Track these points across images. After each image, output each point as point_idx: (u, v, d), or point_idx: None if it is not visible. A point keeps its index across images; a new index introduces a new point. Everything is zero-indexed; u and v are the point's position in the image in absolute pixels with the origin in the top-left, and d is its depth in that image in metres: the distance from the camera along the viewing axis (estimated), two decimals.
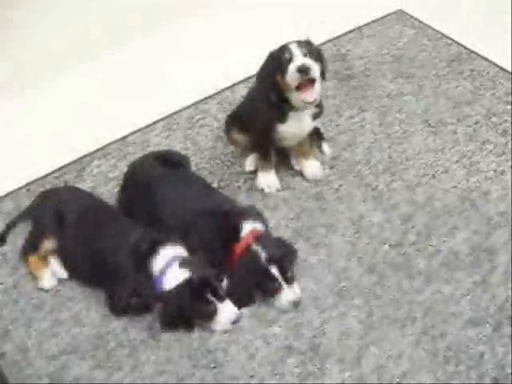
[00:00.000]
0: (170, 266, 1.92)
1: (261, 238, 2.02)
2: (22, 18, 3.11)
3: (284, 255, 2.00)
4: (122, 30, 3.01)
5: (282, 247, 2.04)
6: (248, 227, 2.03)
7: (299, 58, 2.14)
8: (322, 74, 2.21)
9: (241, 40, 2.94)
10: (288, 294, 1.99)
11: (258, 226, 2.06)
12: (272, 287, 1.99)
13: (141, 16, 3.09)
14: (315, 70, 2.15)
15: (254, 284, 1.99)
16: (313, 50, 2.19)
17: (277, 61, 2.17)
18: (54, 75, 2.78)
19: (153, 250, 1.95)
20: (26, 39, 3.00)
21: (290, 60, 2.14)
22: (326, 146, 2.46)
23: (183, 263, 1.92)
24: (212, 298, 1.90)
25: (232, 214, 2.06)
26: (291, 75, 2.14)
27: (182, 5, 3.12)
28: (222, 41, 2.95)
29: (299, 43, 2.19)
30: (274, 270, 1.97)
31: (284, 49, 2.18)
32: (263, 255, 1.98)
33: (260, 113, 2.24)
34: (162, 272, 1.92)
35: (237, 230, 2.02)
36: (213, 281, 1.91)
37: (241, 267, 1.98)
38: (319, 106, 2.28)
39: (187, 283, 1.89)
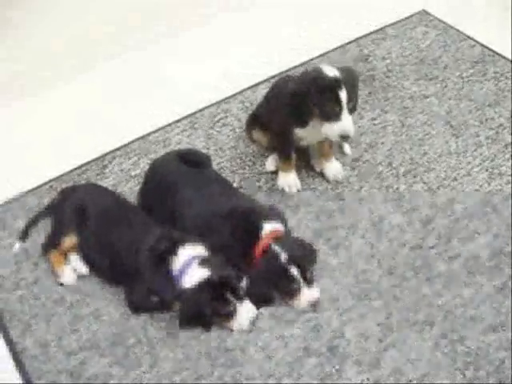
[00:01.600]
0: (190, 265, 1.93)
1: (281, 238, 2.02)
2: (22, 18, 3.14)
3: (304, 256, 2.00)
4: (125, 30, 3.02)
5: (302, 248, 2.03)
6: (268, 227, 2.03)
7: (345, 120, 2.05)
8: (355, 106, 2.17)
9: (251, 40, 2.95)
10: (307, 294, 1.99)
11: (279, 226, 2.06)
12: (291, 288, 1.99)
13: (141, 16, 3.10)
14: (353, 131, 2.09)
15: (274, 284, 1.99)
16: (355, 88, 2.11)
17: (319, 97, 2.06)
18: (72, 76, 2.81)
19: (173, 248, 1.96)
20: (25, 39, 3.03)
21: (337, 114, 2.05)
22: (347, 147, 2.46)
23: (203, 262, 1.93)
24: (231, 298, 1.90)
25: (252, 213, 2.06)
26: (331, 133, 2.10)
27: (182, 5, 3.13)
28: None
29: (345, 81, 2.04)
30: (294, 271, 1.97)
31: (332, 91, 2.03)
32: (283, 255, 1.98)
33: (280, 117, 2.21)
34: (182, 271, 1.93)
35: (257, 230, 2.02)
36: (232, 280, 1.91)
37: (260, 267, 1.99)
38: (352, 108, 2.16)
39: (207, 282, 1.90)
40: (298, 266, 1.97)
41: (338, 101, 2.05)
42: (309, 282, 1.99)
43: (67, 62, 2.88)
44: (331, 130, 2.10)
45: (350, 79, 2.10)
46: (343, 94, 2.05)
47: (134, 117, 2.64)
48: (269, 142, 2.37)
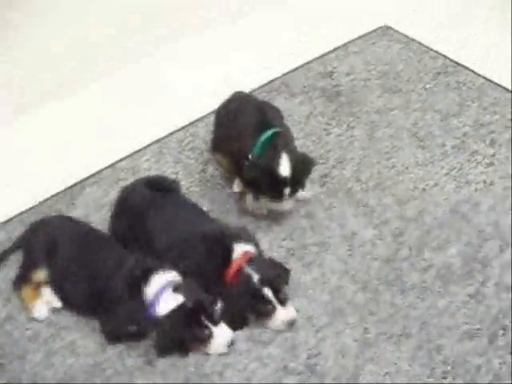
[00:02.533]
0: (164, 292, 1.92)
1: (253, 259, 2.02)
2: (22, 20, 3.12)
3: (277, 276, 2.01)
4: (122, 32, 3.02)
5: (275, 268, 2.04)
6: (239, 249, 2.03)
7: (286, 203, 2.22)
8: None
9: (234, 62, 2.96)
10: (282, 314, 1.99)
11: (250, 248, 2.06)
12: (266, 309, 1.99)
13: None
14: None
15: (248, 307, 1.99)
16: (304, 177, 2.26)
17: (267, 189, 2.21)
18: (39, 104, 2.79)
19: (146, 276, 1.95)
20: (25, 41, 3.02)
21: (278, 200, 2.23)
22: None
23: (176, 288, 1.92)
24: (206, 322, 1.89)
25: (223, 236, 2.06)
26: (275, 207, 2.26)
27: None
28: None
29: (295, 175, 2.19)
30: (267, 292, 1.97)
31: (278, 188, 2.20)
32: (255, 277, 1.98)
33: (238, 148, 2.28)
34: (156, 298, 1.92)
35: (228, 253, 2.02)
36: (206, 305, 1.91)
37: (233, 290, 1.98)
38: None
39: (181, 308, 1.89)
40: (272, 287, 1.97)
41: (281, 194, 2.21)
42: (283, 302, 1.99)
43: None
44: (271, 206, 2.26)
45: (301, 171, 2.23)
46: (287, 190, 2.19)
47: (102, 144, 2.64)
48: (231, 166, 2.38)
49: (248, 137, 2.24)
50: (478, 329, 2.02)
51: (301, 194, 2.29)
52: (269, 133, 2.24)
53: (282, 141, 2.24)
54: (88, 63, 2.91)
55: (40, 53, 2.95)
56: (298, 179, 2.21)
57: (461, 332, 2.02)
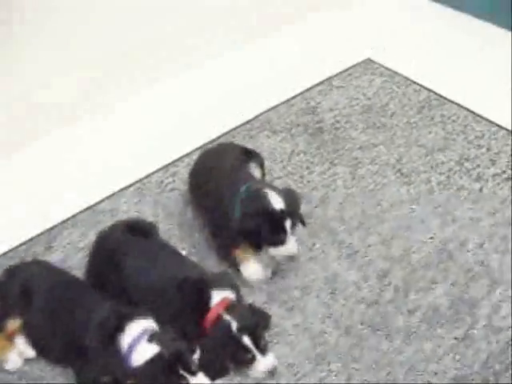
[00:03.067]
0: (139, 342, 1.85)
1: (231, 306, 1.96)
2: None
3: (256, 324, 1.94)
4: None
5: (254, 315, 1.97)
6: (218, 296, 1.97)
7: (290, 243, 2.10)
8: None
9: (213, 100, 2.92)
10: (262, 363, 1.92)
11: (229, 294, 2.00)
12: (245, 358, 1.92)
13: None
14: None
15: (226, 356, 1.92)
16: (297, 209, 2.16)
17: (268, 233, 2.09)
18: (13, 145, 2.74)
19: (120, 325, 1.88)
20: None
21: (283, 241, 2.10)
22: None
23: (152, 338, 1.85)
24: (184, 373, 1.82)
25: (201, 282, 2.00)
26: (278, 255, 2.13)
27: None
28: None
29: (289, 207, 2.08)
30: (247, 340, 1.90)
31: (279, 224, 2.08)
32: (234, 325, 1.91)
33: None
34: (131, 348, 1.85)
35: (207, 300, 1.96)
36: (184, 355, 1.84)
37: (212, 338, 1.92)
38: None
39: (157, 358, 1.82)
40: (251, 335, 1.91)
41: (284, 231, 2.09)
42: (263, 349, 1.93)
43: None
44: (277, 252, 2.12)
45: (292, 202, 2.14)
46: (288, 223, 2.09)
47: (81, 186, 2.58)
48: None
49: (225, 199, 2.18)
50: (468, 374, 1.95)
51: (287, 248, 2.13)
52: (243, 188, 2.16)
53: (260, 184, 2.18)
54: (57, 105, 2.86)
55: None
56: (293, 209, 2.11)
57: (449, 377, 1.95)
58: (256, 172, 2.37)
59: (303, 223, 2.20)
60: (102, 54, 3.05)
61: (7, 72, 2.68)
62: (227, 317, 1.92)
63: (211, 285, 1.99)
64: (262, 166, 2.43)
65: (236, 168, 2.29)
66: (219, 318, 1.92)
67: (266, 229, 2.08)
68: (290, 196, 2.15)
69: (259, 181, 2.28)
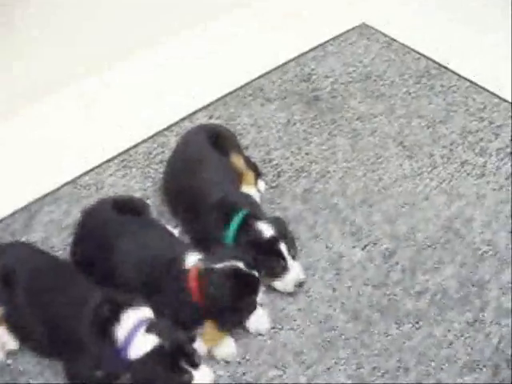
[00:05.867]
0: (136, 333, 1.70)
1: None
2: None
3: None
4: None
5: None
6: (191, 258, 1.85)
7: (293, 268, 1.95)
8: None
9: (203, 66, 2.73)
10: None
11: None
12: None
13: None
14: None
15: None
16: (288, 234, 2.01)
17: (265, 262, 1.92)
18: None
19: (115, 314, 1.73)
20: None
21: (284, 267, 1.93)
22: (261, 184, 2.25)
23: (150, 328, 1.71)
24: (186, 366, 1.69)
25: None
26: (286, 287, 1.96)
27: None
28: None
29: (280, 232, 1.94)
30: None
31: (275, 251, 1.93)
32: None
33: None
34: (128, 340, 1.70)
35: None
36: (185, 346, 1.70)
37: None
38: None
39: (157, 351, 1.67)
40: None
41: (280, 255, 1.93)
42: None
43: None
44: (284, 284, 1.96)
45: (282, 226, 1.99)
46: (283, 247, 1.93)
47: (62, 158, 2.39)
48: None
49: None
50: (479, 360, 1.86)
51: (294, 275, 1.96)
52: (237, 220, 1.98)
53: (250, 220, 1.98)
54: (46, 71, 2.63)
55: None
56: (284, 235, 1.96)
57: (461, 364, 1.86)
58: (235, 159, 2.18)
59: (294, 251, 2.00)
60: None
61: (8, 68, 2.46)
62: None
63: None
64: (234, 145, 2.23)
65: (207, 169, 2.11)
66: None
67: (263, 259, 1.91)
68: (279, 223, 2.00)
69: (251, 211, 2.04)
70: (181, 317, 1.81)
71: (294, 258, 1.97)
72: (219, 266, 1.81)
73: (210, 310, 1.81)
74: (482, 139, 2.47)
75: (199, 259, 1.85)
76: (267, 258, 1.91)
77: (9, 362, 1.84)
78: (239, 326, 1.87)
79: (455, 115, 2.55)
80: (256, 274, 1.83)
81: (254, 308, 1.85)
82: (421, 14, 2.97)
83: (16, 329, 1.85)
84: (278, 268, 1.92)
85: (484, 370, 1.85)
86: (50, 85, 2.55)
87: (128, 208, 2.01)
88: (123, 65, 2.70)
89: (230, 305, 1.81)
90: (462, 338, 1.92)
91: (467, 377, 1.84)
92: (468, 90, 2.65)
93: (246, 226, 1.95)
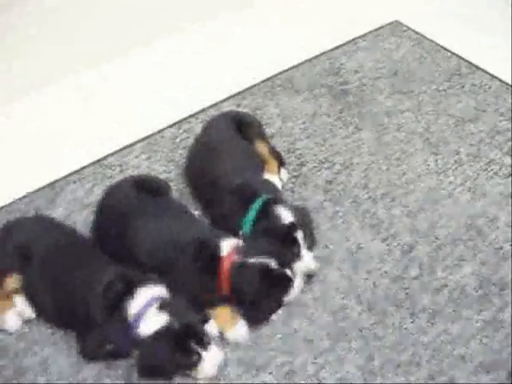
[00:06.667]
0: (147, 310, 1.71)
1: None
2: None
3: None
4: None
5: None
6: (226, 243, 1.86)
7: (306, 257, 1.93)
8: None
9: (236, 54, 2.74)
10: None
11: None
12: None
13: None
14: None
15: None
16: (309, 225, 2.01)
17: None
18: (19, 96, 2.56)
19: (128, 290, 1.74)
20: None
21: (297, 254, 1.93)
22: (284, 172, 2.24)
23: (162, 306, 1.72)
24: (195, 347, 1.69)
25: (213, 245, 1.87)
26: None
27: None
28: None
29: (299, 222, 1.93)
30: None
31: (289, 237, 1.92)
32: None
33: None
34: (139, 316, 1.71)
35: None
36: (196, 327, 1.70)
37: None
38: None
39: (167, 331, 1.68)
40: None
41: (296, 244, 1.92)
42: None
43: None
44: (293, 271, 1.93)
45: (304, 216, 2.00)
46: (300, 235, 1.92)
47: (89, 139, 2.42)
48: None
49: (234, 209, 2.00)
50: (496, 360, 1.83)
51: (304, 263, 1.95)
52: (256, 205, 1.97)
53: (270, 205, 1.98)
54: (71, 56, 2.67)
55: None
56: (303, 223, 1.95)
57: (476, 363, 1.82)
58: (259, 147, 2.19)
59: (313, 241, 2.00)
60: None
61: (7, 68, 2.51)
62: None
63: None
64: (259, 133, 2.24)
65: (230, 152, 2.11)
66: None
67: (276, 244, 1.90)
68: (301, 212, 2.00)
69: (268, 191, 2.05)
70: (197, 298, 1.81)
71: (310, 248, 1.96)
72: (252, 260, 1.82)
73: (235, 301, 1.83)
74: (510, 139, 2.43)
75: (234, 248, 1.85)
76: (282, 244, 1.89)
77: (25, 330, 1.88)
78: (261, 322, 1.87)
79: (484, 114, 2.52)
80: (289, 273, 1.84)
81: (279, 307, 1.86)
82: (454, 13, 2.93)
83: (33, 299, 1.88)
84: (289, 255, 1.90)
85: (500, 371, 1.81)
86: (82, 65, 2.59)
87: (149, 187, 2.02)
88: (148, 51, 2.74)
89: (255, 302, 1.82)
90: (479, 337, 1.88)
91: (482, 377, 1.80)
92: (499, 90, 2.61)
93: (266, 211, 1.95)
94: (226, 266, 1.83)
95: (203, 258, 1.85)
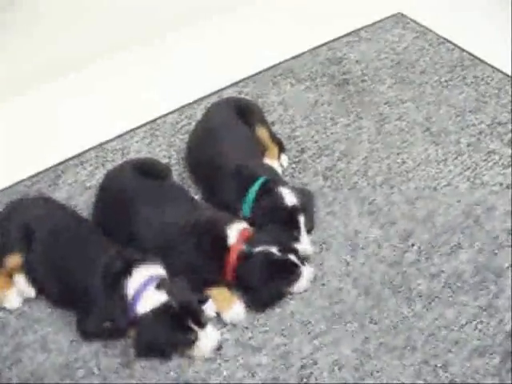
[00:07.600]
0: (146, 288, 1.74)
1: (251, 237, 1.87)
2: None
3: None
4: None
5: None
6: (235, 228, 1.87)
7: (304, 241, 1.95)
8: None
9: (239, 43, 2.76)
10: (307, 274, 1.89)
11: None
12: (294, 272, 1.88)
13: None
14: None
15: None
16: (311, 209, 2.04)
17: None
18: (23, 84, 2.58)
19: (127, 269, 1.76)
20: None
21: (296, 238, 1.94)
22: (284, 158, 2.26)
23: (160, 285, 1.74)
24: (192, 326, 1.71)
25: (216, 222, 1.89)
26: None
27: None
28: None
29: (302, 204, 1.95)
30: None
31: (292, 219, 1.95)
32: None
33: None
34: (137, 294, 1.73)
35: (224, 238, 1.85)
36: (193, 306, 1.72)
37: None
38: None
39: (165, 308, 1.70)
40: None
41: (297, 227, 1.95)
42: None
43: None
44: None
45: (306, 201, 2.01)
46: (302, 219, 1.95)
47: (90, 123, 2.44)
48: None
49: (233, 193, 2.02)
50: (490, 345, 1.84)
51: (301, 246, 1.96)
52: (256, 187, 1.99)
53: (272, 184, 2.00)
54: (77, 45, 2.69)
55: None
56: (306, 207, 1.98)
57: (470, 348, 1.84)
58: (260, 132, 2.21)
59: (312, 225, 2.03)
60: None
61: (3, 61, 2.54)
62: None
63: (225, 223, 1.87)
64: (260, 118, 2.25)
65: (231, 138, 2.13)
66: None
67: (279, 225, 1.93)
68: (304, 195, 2.02)
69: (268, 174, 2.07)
70: (197, 278, 1.83)
71: (309, 231, 1.98)
72: (260, 249, 1.84)
73: (239, 287, 1.86)
74: (510, 130, 2.44)
75: (241, 235, 1.86)
76: (282, 226, 1.91)
77: (25, 308, 1.90)
78: (264, 309, 1.89)
79: (486, 106, 2.53)
80: (298, 262, 1.86)
81: (283, 296, 1.88)
82: (457, 6, 2.94)
83: (33, 278, 1.90)
84: (289, 238, 1.92)
85: (494, 356, 1.82)
86: (86, 54, 2.61)
87: (150, 171, 2.04)
88: (152, 40, 2.75)
89: (262, 291, 1.84)
90: (474, 323, 1.89)
91: (476, 361, 1.81)
92: (501, 82, 2.62)
93: (268, 190, 1.96)
94: (232, 254, 1.84)
95: (210, 243, 1.87)
